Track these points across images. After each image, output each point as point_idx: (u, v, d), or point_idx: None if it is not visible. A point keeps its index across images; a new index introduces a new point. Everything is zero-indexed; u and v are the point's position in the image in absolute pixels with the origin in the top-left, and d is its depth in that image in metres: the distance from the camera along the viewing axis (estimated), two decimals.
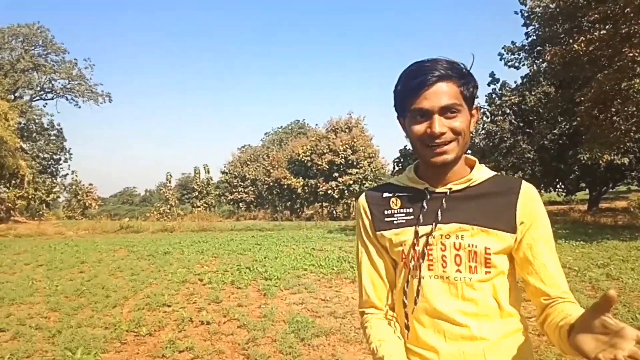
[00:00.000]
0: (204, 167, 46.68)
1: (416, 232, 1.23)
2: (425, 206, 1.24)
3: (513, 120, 22.36)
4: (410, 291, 1.23)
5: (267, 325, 5.46)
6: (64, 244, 15.01)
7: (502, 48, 21.16)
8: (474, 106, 1.26)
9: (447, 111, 1.17)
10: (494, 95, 23.58)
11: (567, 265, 8.27)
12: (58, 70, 34.74)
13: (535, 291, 1.25)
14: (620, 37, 11.76)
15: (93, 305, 6.81)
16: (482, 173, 1.28)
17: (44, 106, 37.70)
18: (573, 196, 27.94)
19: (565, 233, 13.46)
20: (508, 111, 22.50)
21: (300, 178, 37.33)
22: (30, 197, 30.67)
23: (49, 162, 38.67)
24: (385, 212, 1.30)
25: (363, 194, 1.38)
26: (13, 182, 27.70)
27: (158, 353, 4.73)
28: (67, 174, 39.55)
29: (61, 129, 39.20)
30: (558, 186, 26.01)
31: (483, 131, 23.30)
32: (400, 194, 1.30)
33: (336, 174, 35.26)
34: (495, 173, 1.30)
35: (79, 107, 39.16)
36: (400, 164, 24.76)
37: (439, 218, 1.22)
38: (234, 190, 45.82)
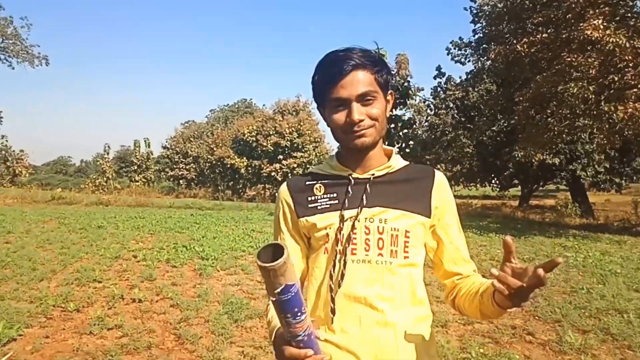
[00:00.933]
0: (145, 141, 45.43)
1: (342, 216, 1.26)
2: (350, 191, 1.28)
3: (455, 115, 23.00)
4: (336, 275, 1.26)
5: (200, 306, 5.40)
6: None
7: (450, 43, 21.64)
8: (389, 92, 1.32)
9: (363, 98, 1.22)
10: (439, 89, 24.11)
11: (496, 257, 8.63)
12: None
13: (448, 273, 1.37)
14: (561, 42, 12.29)
15: (18, 277, 6.51)
16: (398, 161, 1.36)
17: None
18: (506, 192, 29.21)
19: (497, 227, 14.06)
20: (451, 105, 23.10)
21: (244, 158, 37.01)
22: None
23: None
24: (309, 198, 1.33)
25: (285, 183, 1.40)
26: None
27: (85, 330, 4.59)
28: None
29: None
30: (493, 181, 27.08)
31: (426, 123, 23.82)
32: (323, 181, 1.34)
33: (281, 157, 35.18)
34: (408, 162, 1.39)
35: (13, 69, 36.90)
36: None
37: (364, 202, 1.26)
38: (174, 166, 44.86)
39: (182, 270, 7.25)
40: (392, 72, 1.25)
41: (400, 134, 24.62)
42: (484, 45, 19.52)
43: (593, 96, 11.82)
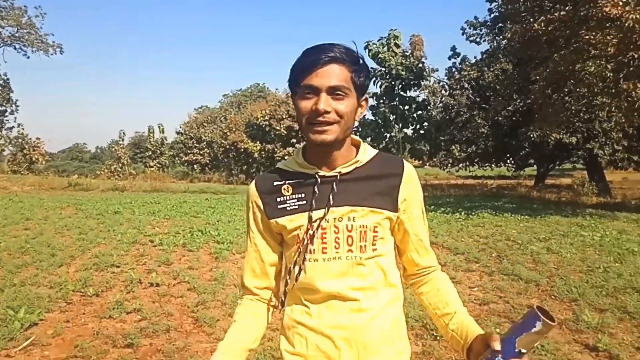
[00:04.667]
0: (159, 127, 45.78)
1: (310, 217, 1.28)
2: (317, 191, 1.29)
3: (470, 95, 22.75)
4: (295, 273, 1.32)
5: (217, 289, 5.45)
6: (8, 199, 14.48)
7: (465, 22, 21.35)
8: (364, 97, 1.31)
9: (334, 92, 1.21)
10: (453, 69, 23.83)
11: (511, 238, 8.58)
12: (6, 17, 32.55)
13: (410, 261, 1.43)
14: (579, 19, 12.00)
15: (38, 263, 6.62)
16: (367, 153, 1.35)
17: None
18: (522, 171, 28.94)
19: (512, 207, 13.95)
20: (466, 86, 22.85)
21: (258, 142, 37.02)
22: None
23: None
24: (278, 199, 1.33)
25: (253, 183, 1.40)
26: None
27: (105, 314, 4.66)
28: (13, 127, 37.73)
29: (8, 79, 37.06)
30: (508, 161, 26.81)
31: (441, 104, 23.58)
32: (290, 181, 1.33)
33: (294, 140, 35.13)
34: (377, 151, 1.38)
35: (28, 58, 37.03)
36: (357, 133, 24.86)
37: (331, 202, 1.27)
38: (188, 151, 45.07)
39: (198, 254, 7.31)
40: (371, 74, 1.23)
41: (415, 115, 24.48)
42: (500, 24, 19.23)
43: (611, 74, 11.57)
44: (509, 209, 13.39)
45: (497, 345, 1.07)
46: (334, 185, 1.28)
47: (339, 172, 1.29)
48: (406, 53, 23.01)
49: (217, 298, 5.17)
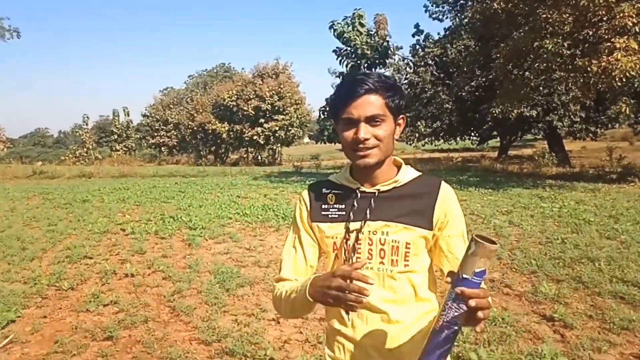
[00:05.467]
0: (124, 110, 45.02)
1: (347, 228, 1.42)
2: (356, 204, 1.43)
3: (434, 72, 23.01)
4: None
5: (192, 277, 5.56)
6: None
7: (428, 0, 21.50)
8: (401, 116, 1.45)
9: (372, 120, 1.35)
10: (417, 47, 24.01)
11: (476, 212, 8.91)
12: None
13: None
14: None
15: (9, 258, 6.58)
16: (407, 175, 1.48)
17: None
18: (485, 144, 29.63)
19: (476, 181, 14.34)
20: (430, 62, 23.08)
21: (226, 123, 36.75)
22: None
23: None
24: (323, 206, 1.49)
25: (307, 188, 1.57)
26: None
27: (82, 307, 4.73)
28: None
29: None
30: (472, 135, 27.40)
31: (405, 81, 23.78)
32: (335, 191, 1.49)
33: (262, 120, 35.00)
34: (419, 174, 1.50)
35: None
36: (325, 112, 24.92)
37: (368, 216, 1.41)
38: (155, 134, 44.45)
39: (171, 242, 7.37)
40: (403, 95, 1.37)
41: None
42: (462, 1, 19.43)
43: (568, 51, 11.93)
44: (474, 182, 13.76)
45: (448, 280, 1.11)
46: (372, 201, 1.41)
47: (378, 190, 1.43)
48: (371, 32, 23.08)
49: (193, 286, 5.28)
